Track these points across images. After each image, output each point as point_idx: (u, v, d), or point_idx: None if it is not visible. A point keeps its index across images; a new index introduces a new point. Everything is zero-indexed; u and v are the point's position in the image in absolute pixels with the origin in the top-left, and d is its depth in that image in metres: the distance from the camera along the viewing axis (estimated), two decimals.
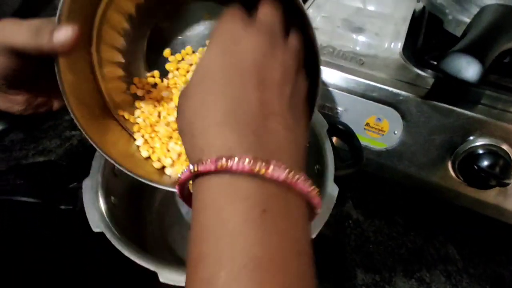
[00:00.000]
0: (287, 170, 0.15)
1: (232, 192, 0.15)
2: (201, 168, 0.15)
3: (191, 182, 0.17)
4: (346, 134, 0.37)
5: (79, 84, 0.25)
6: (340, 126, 0.37)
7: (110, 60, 0.28)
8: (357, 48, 0.40)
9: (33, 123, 0.52)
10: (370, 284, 0.37)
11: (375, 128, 0.38)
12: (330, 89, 0.38)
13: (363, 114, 0.37)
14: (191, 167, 0.16)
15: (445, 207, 0.41)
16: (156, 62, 0.31)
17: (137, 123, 0.29)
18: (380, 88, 0.35)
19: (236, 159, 0.15)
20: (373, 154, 0.39)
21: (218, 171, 0.15)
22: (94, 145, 0.25)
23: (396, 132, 0.37)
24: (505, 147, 0.33)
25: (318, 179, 0.34)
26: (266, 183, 0.15)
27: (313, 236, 0.27)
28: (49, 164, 0.35)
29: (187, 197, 0.19)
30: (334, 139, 0.39)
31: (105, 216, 0.28)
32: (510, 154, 0.33)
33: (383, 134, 0.38)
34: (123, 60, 0.29)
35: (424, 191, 0.40)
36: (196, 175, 0.16)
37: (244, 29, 0.19)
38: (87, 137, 0.25)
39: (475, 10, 0.34)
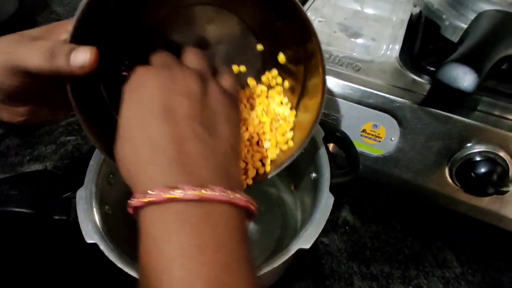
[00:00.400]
0: (219, 190, 0.17)
1: (174, 219, 0.17)
2: (152, 198, 0.17)
3: None
4: (343, 141, 0.36)
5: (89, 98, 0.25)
6: (337, 133, 0.36)
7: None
8: (354, 54, 0.40)
9: (29, 128, 0.52)
10: None
11: (372, 135, 0.37)
12: (326, 95, 0.37)
13: (360, 121, 0.37)
14: (142, 198, 0.17)
15: (443, 213, 0.41)
16: None
17: None
18: (377, 94, 0.35)
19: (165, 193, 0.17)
20: (370, 161, 0.39)
21: (161, 202, 0.17)
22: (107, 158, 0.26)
23: (393, 138, 0.37)
24: (502, 154, 0.32)
25: (314, 187, 0.33)
26: (205, 205, 0.17)
27: (308, 246, 0.27)
28: (43, 174, 0.35)
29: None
30: (331, 145, 0.39)
31: (99, 226, 0.28)
32: (508, 162, 0.32)
33: (379, 141, 0.37)
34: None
35: (421, 197, 0.40)
36: (140, 206, 0.18)
37: (146, 72, 0.21)
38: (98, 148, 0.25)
39: (472, 16, 0.34)
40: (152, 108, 0.19)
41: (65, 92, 0.23)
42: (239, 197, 0.18)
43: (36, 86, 0.23)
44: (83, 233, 0.27)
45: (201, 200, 0.17)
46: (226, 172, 0.19)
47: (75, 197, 0.29)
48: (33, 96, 0.25)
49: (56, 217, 0.30)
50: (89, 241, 0.26)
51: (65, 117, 0.28)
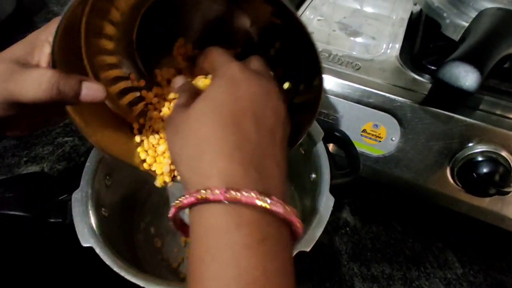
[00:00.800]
0: (284, 205, 0.18)
1: (235, 220, 0.17)
2: (211, 196, 0.17)
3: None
4: (343, 141, 0.36)
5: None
6: (337, 133, 0.36)
7: (103, 64, 0.28)
8: (353, 52, 0.39)
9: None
10: None
11: (372, 135, 0.37)
12: (326, 95, 0.37)
13: (360, 121, 0.37)
14: (198, 193, 0.17)
15: (444, 213, 0.40)
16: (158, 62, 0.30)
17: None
18: (377, 94, 0.35)
19: (245, 192, 0.17)
20: (370, 161, 0.38)
21: (223, 201, 0.17)
22: (98, 148, 0.26)
23: (393, 138, 0.36)
24: (504, 154, 0.32)
25: (313, 188, 0.33)
26: (266, 215, 0.17)
27: (309, 248, 0.26)
28: (39, 176, 0.34)
29: (177, 220, 0.21)
30: (331, 145, 0.39)
31: (95, 229, 0.27)
32: (510, 161, 0.32)
33: (380, 141, 0.37)
34: (116, 61, 0.28)
35: (422, 197, 0.39)
36: (198, 203, 0.18)
37: (242, 73, 0.21)
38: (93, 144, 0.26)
39: (473, 14, 0.33)
40: (246, 113, 0.19)
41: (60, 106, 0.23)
42: (300, 225, 0.18)
43: (33, 110, 0.23)
44: (79, 236, 0.26)
45: (277, 216, 0.17)
46: (286, 195, 0.19)
47: (71, 200, 0.28)
48: (32, 112, 0.25)
49: (52, 220, 0.29)
50: (85, 244, 0.26)
51: (61, 121, 0.28)
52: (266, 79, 0.22)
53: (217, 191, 0.17)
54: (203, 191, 0.17)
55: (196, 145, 0.19)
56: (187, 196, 0.18)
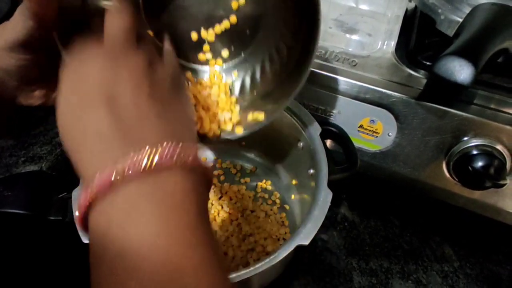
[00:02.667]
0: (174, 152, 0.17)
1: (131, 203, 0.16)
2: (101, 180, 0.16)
3: None
4: (340, 137, 0.36)
5: None
6: (334, 129, 0.36)
7: None
8: (350, 49, 0.40)
9: (23, 128, 0.51)
10: (366, 287, 0.37)
11: (369, 130, 0.37)
12: (323, 91, 0.37)
13: (357, 116, 0.37)
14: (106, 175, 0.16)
15: (441, 207, 0.41)
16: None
17: None
18: (373, 89, 0.35)
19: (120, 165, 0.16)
20: (367, 156, 0.39)
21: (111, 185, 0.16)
22: None
23: (390, 133, 0.37)
24: (499, 147, 0.32)
25: (312, 183, 0.33)
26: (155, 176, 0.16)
27: (307, 242, 0.27)
28: (38, 174, 0.34)
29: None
30: (328, 141, 0.39)
31: None
32: (505, 154, 0.32)
33: (377, 136, 0.37)
34: None
35: (419, 192, 0.40)
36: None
37: (89, 51, 0.20)
38: None
39: (467, 10, 0.34)
40: (92, 92, 0.18)
41: None
42: (190, 154, 0.17)
43: (40, 63, 0.24)
44: (80, 233, 0.26)
45: (149, 171, 0.16)
46: (177, 135, 0.19)
47: (70, 197, 0.29)
48: (43, 78, 0.25)
49: (52, 218, 0.29)
50: (86, 241, 0.26)
51: None
52: (113, 44, 0.20)
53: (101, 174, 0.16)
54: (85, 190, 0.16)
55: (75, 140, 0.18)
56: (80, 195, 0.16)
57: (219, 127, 0.30)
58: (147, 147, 0.16)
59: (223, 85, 0.32)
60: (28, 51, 0.22)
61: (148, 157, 0.16)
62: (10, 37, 0.22)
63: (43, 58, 0.24)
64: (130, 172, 0.16)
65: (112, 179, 0.15)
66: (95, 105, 0.18)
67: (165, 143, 0.17)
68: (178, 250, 0.15)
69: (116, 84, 0.18)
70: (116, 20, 0.21)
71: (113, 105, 0.18)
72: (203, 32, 0.30)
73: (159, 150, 0.16)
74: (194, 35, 0.30)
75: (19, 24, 0.21)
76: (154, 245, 0.15)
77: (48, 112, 0.57)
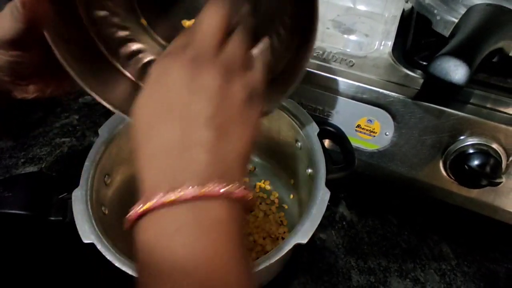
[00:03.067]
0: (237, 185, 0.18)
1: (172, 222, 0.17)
2: (152, 204, 0.17)
3: None
4: (338, 137, 0.37)
5: (72, 41, 0.25)
6: (331, 129, 0.37)
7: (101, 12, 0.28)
8: (347, 50, 0.40)
9: (23, 130, 0.51)
10: (365, 286, 0.38)
11: (366, 130, 0.38)
12: (321, 91, 0.37)
13: (354, 116, 0.37)
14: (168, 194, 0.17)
15: (438, 206, 0.41)
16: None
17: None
18: (370, 89, 0.35)
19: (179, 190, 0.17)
20: (365, 156, 0.39)
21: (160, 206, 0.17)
22: (94, 95, 0.26)
23: (387, 133, 0.37)
24: (495, 146, 0.33)
25: (310, 182, 0.34)
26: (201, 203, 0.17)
27: (305, 240, 0.27)
28: (38, 175, 0.34)
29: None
30: (326, 141, 0.40)
31: (95, 226, 0.28)
32: (500, 153, 0.33)
33: (374, 136, 0.38)
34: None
35: (416, 190, 0.40)
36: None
37: (168, 64, 0.20)
38: (85, 88, 0.26)
39: (462, 10, 0.34)
40: (166, 109, 0.19)
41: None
42: (236, 189, 0.18)
43: (32, 56, 0.24)
44: (80, 233, 0.27)
45: (200, 198, 0.17)
46: (227, 172, 0.19)
47: (71, 198, 0.29)
48: (38, 73, 0.25)
49: (52, 218, 0.29)
50: (86, 241, 0.26)
51: (72, 88, 0.28)
52: (195, 58, 0.20)
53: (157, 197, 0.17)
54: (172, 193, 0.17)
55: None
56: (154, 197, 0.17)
57: None
58: (196, 182, 0.17)
59: None
60: (18, 48, 0.23)
61: (197, 189, 0.17)
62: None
63: (36, 54, 0.24)
64: (183, 195, 0.17)
65: (168, 200, 0.17)
66: (168, 122, 0.18)
67: (212, 182, 0.17)
68: (219, 266, 0.17)
69: (189, 104, 0.19)
70: (208, 16, 0.21)
71: (183, 126, 0.18)
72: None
73: (208, 186, 0.17)
74: (187, 23, 0.29)
75: (7, 23, 0.21)
76: (198, 261, 0.16)
77: (47, 112, 0.58)
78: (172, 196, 0.17)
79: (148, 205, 0.17)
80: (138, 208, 0.17)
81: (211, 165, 0.18)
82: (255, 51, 0.24)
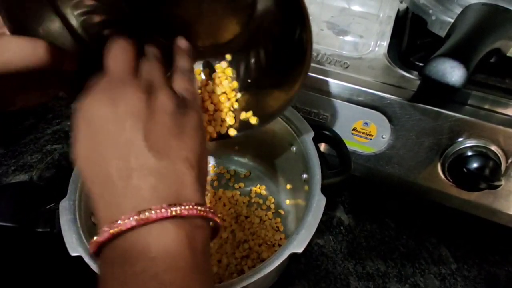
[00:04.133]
0: (198, 207, 0.18)
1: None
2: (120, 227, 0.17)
3: None
4: (334, 140, 0.36)
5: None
6: (327, 132, 0.36)
7: None
8: (342, 51, 0.39)
9: (14, 137, 0.50)
10: None
11: (363, 133, 0.37)
12: (316, 94, 0.37)
13: (350, 119, 0.37)
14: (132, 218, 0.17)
15: (437, 209, 0.40)
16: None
17: None
18: (366, 92, 0.35)
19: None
20: (362, 159, 0.38)
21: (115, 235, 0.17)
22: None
23: (384, 136, 0.36)
24: (494, 148, 0.32)
25: (305, 188, 0.33)
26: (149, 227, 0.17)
27: (301, 250, 0.26)
28: (26, 185, 0.34)
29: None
30: (322, 145, 0.39)
31: (83, 238, 0.27)
32: (499, 155, 0.32)
33: (371, 139, 0.37)
34: None
35: (414, 194, 0.39)
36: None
37: (91, 98, 0.20)
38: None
39: (458, 10, 0.33)
40: (101, 149, 0.18)
41: (47, 76, 0.22)
42: (184, 208, 0.18)
43: (18, 80, 0.23)
44: (67, 245, 0.26)
45: (142, 225, 0.17)
46: (177, 189, 0.19)
47: (58, 208, 0.28)
48: (23, 87, 0.24)
49: (40, 230, 0.28)
50: (73, 253, 0.25)
51: (54, 94, 0.27)
52: (115, 89, 0.20)
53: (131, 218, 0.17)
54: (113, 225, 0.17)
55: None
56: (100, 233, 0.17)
57: (214, 129, 0.30)
58: (136, 211, 0.17)
59: (228, 86, 0.31)
60: (18, 75, 0.21)
61: (135, 218, 0.17)
62: (8, 58, 0.21)
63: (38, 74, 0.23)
64: (122, 226, 0.17)
65: (113, 232, 0.17)
66: (107, 159, 0.18)
67: (158, 207, 0.17)
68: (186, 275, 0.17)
69: (119, 135, 0.18)
70: (114, 50, 0.21)
71: (122, 156, 0.18)
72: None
73: (149, 212, 0.17)
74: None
75: (22, 55, 0.20)
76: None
77: (38, 119, 0.56)
78: (114, 228, 0.17)
79: (96, 238, 0.17)
80: (94, 240, 0.18)
81: (155, 188, 0.18)
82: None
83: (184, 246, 0.17)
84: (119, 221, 0.17)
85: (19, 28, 0.23)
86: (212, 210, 0.19)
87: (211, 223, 0.20)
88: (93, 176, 0.19)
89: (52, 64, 0.21)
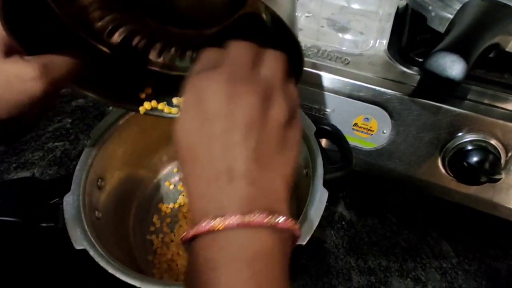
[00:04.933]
0: (288, 218, 0.18)
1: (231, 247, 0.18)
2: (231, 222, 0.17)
3: None
4: (335, 136, 0.36)
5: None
6: (328, 128, 0.36)
7: None
8: (343, 48, 0.40)
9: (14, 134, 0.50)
10: (365, 286, 0.37)
11: (364, 128, 0.37)
12: (317, 90, 0.37)
13: (351, 115, 0.37)
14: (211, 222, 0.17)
15: (438, 204, 0.41)
16: None
17: None
18: (367, 87, 0.35)
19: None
20: (363, 154, 0.39)
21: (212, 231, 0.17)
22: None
23: (385, 131, 0.36)
24: (493, 142, 0.32)
25: (307, 182, 0.33)
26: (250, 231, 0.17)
27: (304, 242, 0.26)
28: (29, 181, 0.34)
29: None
30: (323, 140, 0.39)
31: (88, 232, 0.27)
32: (499, 149, 0.32)
33: (372, 134, 0.37)
34: None
35: (415, 188, 0.40)
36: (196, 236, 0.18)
37: (207, 81, 0.19)
38: None
39: (457, 6, 0.34)
40: (207, 138, 0.18)
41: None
42: (281, 220, 0.18)
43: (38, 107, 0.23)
44: (72, 239, 0.26)
45: (245, 226, 0.17)
46: (272, 203, 0.19)
47: (62, 203, 0.28)
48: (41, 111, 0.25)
49: (44, 225, 0.29)
50: (78, 247, 0.26)
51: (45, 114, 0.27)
52: (237, 86, 0.19)
53: (232, 217, 0.17)
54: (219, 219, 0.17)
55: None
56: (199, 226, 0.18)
57: None
58: (240, 212, 0.17)
59: None
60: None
61: (241, 217, 0.17)
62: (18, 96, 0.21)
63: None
64: (229, 223, 0.17)
65: (215, 227, 0.17)
66: (211, 152, 0.18)
67: (256, 213, 0.18)
68: None
69: (230, 133, 0.18)
70: (235, 44, 0.20)
71: (226, 156, 0.18)
72: None
73: (253, 215, 0.17)
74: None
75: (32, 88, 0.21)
76: None
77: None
78: (218, 223, 0.17)
79: (195, 229, 0.17)
80: (191, 231, 0.18)
81: (254, 198, 0.18)
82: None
83: (278, 251, 0.18)
84: (223, 218, 0.17)
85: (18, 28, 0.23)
86: (298, 225, 0.19)
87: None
88: (194, 164, 0.19)
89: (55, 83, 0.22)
